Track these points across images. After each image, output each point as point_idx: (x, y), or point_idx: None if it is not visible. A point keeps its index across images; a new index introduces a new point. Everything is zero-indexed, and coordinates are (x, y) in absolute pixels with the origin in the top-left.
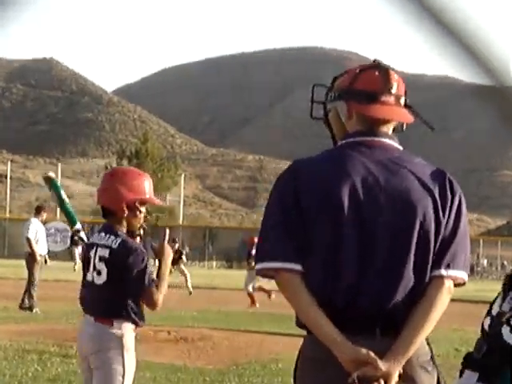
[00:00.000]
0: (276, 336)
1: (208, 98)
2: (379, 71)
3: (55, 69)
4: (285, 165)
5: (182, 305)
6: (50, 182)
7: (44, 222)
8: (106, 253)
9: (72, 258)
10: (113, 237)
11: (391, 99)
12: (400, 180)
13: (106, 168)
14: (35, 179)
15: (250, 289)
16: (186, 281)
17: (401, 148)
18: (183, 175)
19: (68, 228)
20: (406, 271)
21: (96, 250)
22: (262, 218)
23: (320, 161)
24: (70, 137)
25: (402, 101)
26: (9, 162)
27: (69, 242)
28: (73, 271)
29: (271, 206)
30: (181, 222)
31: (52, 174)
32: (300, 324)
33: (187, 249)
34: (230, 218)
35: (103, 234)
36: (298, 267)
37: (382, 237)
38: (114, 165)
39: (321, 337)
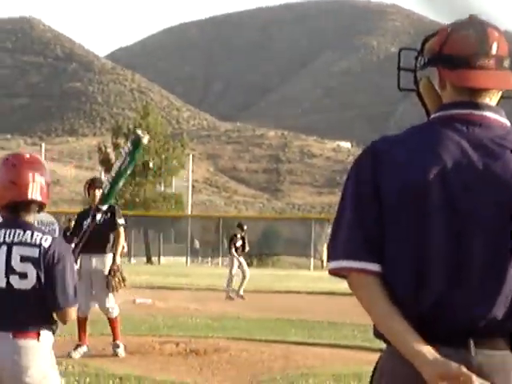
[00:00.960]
0: (304, 346)
1: (220, 63)
2: (474, 29)
3: (36, 30)
4: (312, 142)
5: (193, 310)
6: (138, 144)
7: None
8: (34, 252)
9: None
10: (39, 233)
11: (490, 63)
12: (504, 166)
13: (100, 149)
14: None
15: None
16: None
17: (508, 124)
18: (191, 155)
19: (54, 221)
20: (507, 276)
21: (10, 250)
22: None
23: (405, 141)
24: (55, 111)
25: (507, 63)
26: None
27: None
28: None
29: (346, 197)
30: (189, 212)
31: (142, 135)
32: (378, 333)
33: (197, 244)
34: (248, 206)
35: (20, 231)
36: (376, 268)
37: (479, 235)
38: (109, 144)
39: (402, 348)
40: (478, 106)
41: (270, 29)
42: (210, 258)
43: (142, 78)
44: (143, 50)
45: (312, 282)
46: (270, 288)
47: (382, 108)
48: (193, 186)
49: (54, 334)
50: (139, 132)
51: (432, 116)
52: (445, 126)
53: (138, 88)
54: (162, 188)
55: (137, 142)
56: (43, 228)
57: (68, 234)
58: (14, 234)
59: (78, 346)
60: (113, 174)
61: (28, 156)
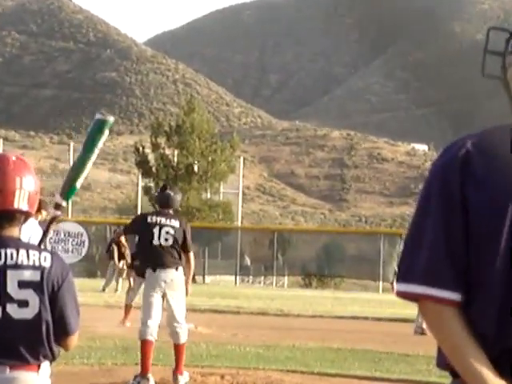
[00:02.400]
0: (370, 382)
1: (278, 52)
2: None
3: (65, 10)
4: (383, 144)
5: (241, 338)
6: (103, 124)
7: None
8: (35, 276)
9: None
10: (35, 252)
11: None
12: None
13: (137, 149)
14: (38, 164)
15: (130, 299)
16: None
17: None
18: (242, 158)
19: (83, 231)
20: None
21: (5, 275)
22: (412, 220)
23: (499, 140)
24: (86, 105)
25: None
26: (0, 140)
27: (84, 251)
28: (101, 292)
29: (427, 209)
30: (239, 223)
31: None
32: (443, 364)
33: (248, 260)
34: (307, 217)
35: (11, 250)
36: (457, 297)
37: None
38: (147, 144)
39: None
40: None
41: (333, 11)
42: (262, 277)
43: (186, 68)
44: (188, 36)
45: (380, 306)
46: (331, 313)
47: (465, 105)
48: (243, 194)
49: (52, 362)
50: (102, 113)
51: None
52: None
53: (182, 79)
54: (208, 195)
55: (100, 124)
56: (31, 243)
57: (112, 247)
58: (6, 255)
59: (142, 378)
60: (72, 166)
61: (14, 158)
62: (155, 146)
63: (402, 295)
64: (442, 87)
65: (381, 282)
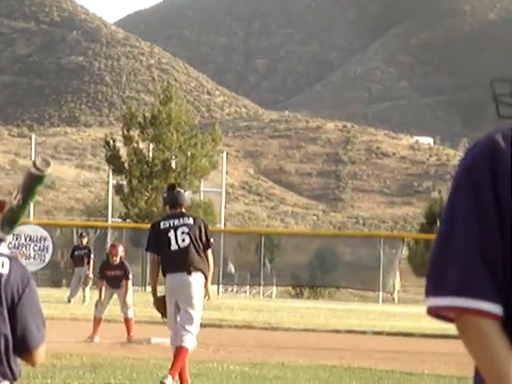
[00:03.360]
0: None
1: (263, 35)
2: None
3: None
4: (383, 136)
5: (224, 354)
6: (41, 179)
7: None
8: None
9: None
10: None
11: None
12: None
13: (107, 143)
14: None
15: (99, 312)
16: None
17: None
18: (225, 153)
19: (47, 236)
20: None
21: None
22: (442, 225)
23: None
24: (49, 94)
25: None
26: None
27: (47, 257)
28: (67, 303)
29: (458, 210)
30: (222, 226)
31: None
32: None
33: (232, 267)
34: (298, 219)
35: None
36: (498, 309)
37: None
38: (119, 137)
39: None
40: None
41: None
42: (248, 287)
43: (162, 52)
44: (165, 16)
45: (380, 319)
46: (324, 326)
47: (475, 93)
48: (227, 193)
49: (12, 383)
50: (38, 162)
51: None
52: None
53: (158, 65)
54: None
55: (38, 178)
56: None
57: (76, 253)
58: None
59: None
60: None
61: None
62: (128, 140)
63: (435, 311)
64: (449, 73)
65: (380, 292)
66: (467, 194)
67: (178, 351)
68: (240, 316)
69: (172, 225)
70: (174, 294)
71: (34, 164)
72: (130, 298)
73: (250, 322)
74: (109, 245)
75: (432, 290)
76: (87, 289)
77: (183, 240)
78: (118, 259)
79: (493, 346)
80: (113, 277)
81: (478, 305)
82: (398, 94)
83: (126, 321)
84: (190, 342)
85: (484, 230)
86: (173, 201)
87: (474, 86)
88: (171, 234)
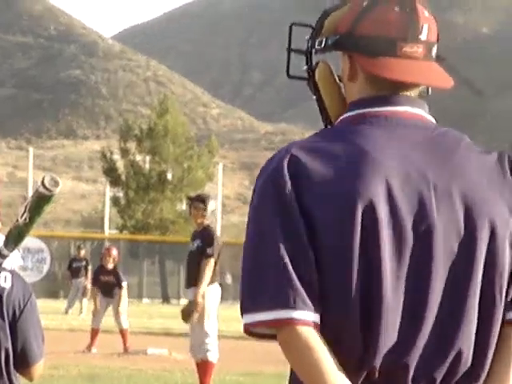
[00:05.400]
0: None
1: (259, 47)
2: (400, 5)
3: (23, 1)
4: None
5: (220, 364)
6: (49, 198)
7: None
8: None
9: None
10: None
11: (419, 50)
12: (455, 173)
13: (104, 155)
14: None
15: (96, 323)
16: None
17: (434, 121)
18: (221, 165)
19: (45, 248)
20: (467, 317)
21: None
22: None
23: (325, 146)
24: (47, 107)
25: (434, 52)
26: None
27: (45, 268)
28: (64, 314)
29: (264, 218)
30: None
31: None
32: None
33: (229, 278)
34: None
35: None
36: (313, 317)
37: (436, 266)
38: (116, 149)
39: None
40: (401, 102)
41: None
42: None
43: (159, 65)
44: (161, 30)
45: None
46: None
47: (468, 104)
48: (223, 205)
49: None
50: (46, 181)
51: (346, 115)
52: (371, 126)
53: (154, 78)
54: (184, 206)
55: (47, 198)
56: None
57: (74, 265)
58: None
59: None
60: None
61: None
62: (124, 152)
63: (252, 328)
64: None
65: None
66: (267, 206)
67: (198, 366)
68: (236, 327)
69: None
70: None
71: (43, 183)
72: (124, 308)
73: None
74: (118, 272)
75: (247, 307)
76: (85, 300)
77: None
78: (112, 262)
79: (313, 354)
80: (106, 283)
81: (290, 314)
82: None
83: (121, 332)
84: (201, 353)
85: (291, 243)
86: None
87: (464, 98)
88: None
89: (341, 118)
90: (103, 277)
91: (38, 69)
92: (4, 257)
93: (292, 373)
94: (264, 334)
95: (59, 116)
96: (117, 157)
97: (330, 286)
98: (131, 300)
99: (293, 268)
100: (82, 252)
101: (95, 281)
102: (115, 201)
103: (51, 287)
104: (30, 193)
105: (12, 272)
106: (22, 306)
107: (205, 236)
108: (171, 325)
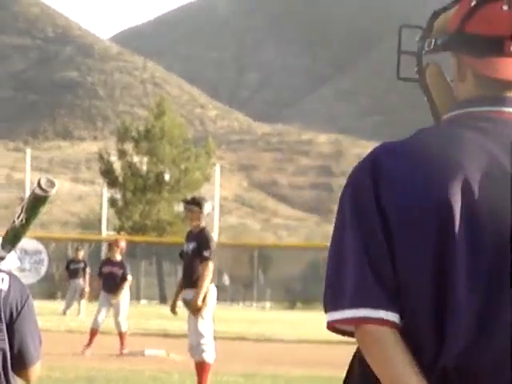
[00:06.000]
0: None
1: (256, 48)
2: (508, 3)
3: (19, 2)
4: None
5: (218, 365)
6: (45, 199)
7: None
8: None
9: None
10: None
11: None
12: None
13: (101, 157)
14: None
15: (99, 321)
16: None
17: None
18: (219, 166)
19: (42, 249)
20: None
21: None
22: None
23: (414, 147)
24: (44, 108)
25: None
26: None
27: (43, 270)
28: (62, 315)
29: (344, 220)
30: (216, 238)
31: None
32: None
33: (226, 279)
34: (291, 231)
35: None
36: (392, 317)
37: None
38: (113, 151)
39: None
40: (508, 102)
41: (324, 2)
42: (241, 299)
43: (156, 67)
44: (157, 31)
45: None
46: (318, 337)
47: None
48: (220, 206)
49: None
50: (42, 182)
51: (446, 115)
52: (466, 127)
53: (151, 79)
54: (181, 207)
55: (42, 199)
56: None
57: (71, 266)
58: None
59: None
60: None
61: None
62: (122, 153)
63: (333, 325)
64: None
65: None
66: (350, 207)
67: (196, 366)
68: (234, 328)
69: None
70: None
71: (39, 185)
72: (124, 306)
73: (243, 333)
74: (103, 258)
75: (328, 305)
76: (83, 301)
77: None
78: (119, 253)
79: (391, 354)
80: (109, 274)
81: (371, 314)
82: (390, 107)
83: (120, 335)
84: (199, 354)
85: (371, 244)
86: None
87: None
88: None
89: (446, 116)
90: (108, 267)
91: (35, 70)
92: (1, 258)
93: (347, 377)
94: (347, 331)
95: (56, 117)
96: (114, 158)
97: (405, 287)
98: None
99: (371, 267)
100: (81, 254)
101: (99, 272)
102: (112, 202)
103: (49, 289)
104: (28, 194)
105: (9, 273)
106: (19, 308)
107: (201, 238)
108: (169, 326)
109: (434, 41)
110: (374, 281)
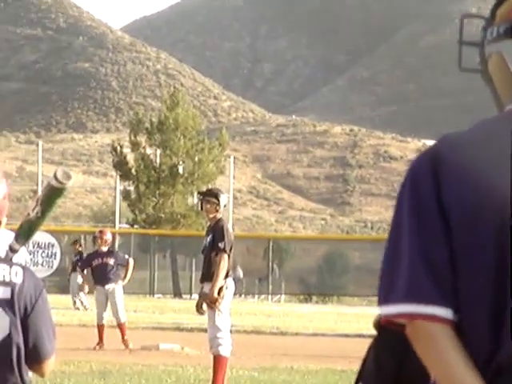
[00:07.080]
0: None
1: (270, 38)
2: None
3: None
4: (391, 140)
5: (233, 359)
6: (61, 192)
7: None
8: (5, 293)
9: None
10: (5, 266)
11: None
12: None
13: (114, 149)
14: (3, 166)
15: (102, 316)
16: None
17: None
18: (233, 158)
19: (55, 242)
20: None
21: None
22: (391, 231)
23: (475, 139)
24: (56, 100)
25: None
26: None
27: (55, 263)
28: (74, 309)
29: (401, 214)
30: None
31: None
32: None
33: (240, 272)
34: (306, 223)
35: None
36: (446, 313)
37: None
38: (126, 143)
39: None
40: None
41: None
42: (256, 292)
43: (169, 57)
44: (171, 21)
45: None
46: (333, 330)
47: (483, 97)
48: (234, 198)
49: None
50: (59, 174)
51: (508, 106)
52: None
53: (165, 70)
54: (195, 200)
55: (59, 191)
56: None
57: (80, 261)
58: None
59: None
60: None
61: None
62: (135, 145)
63: (386, 320)
64: (458, 75)
65: None
66: (408, 201)
67: (214, 360)
68: (249, 321)
69: None
70: None
71: (55, 176)
72: (120, 297)
73: (258, 326)
74: (117, 251)
75: (382, 299)
76: (82, 294)
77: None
78: (105, 244)
79: (443, 350)
80: (100, 266)
81: (422, 309)
82: (405, 96)
83: (119, 326)
84: (216, 348)
85: (428, 240)
86: None
87: (482, 88)
88: None
89: (506, 108)
90: (97, 260)
91: (47, 61)
92: (15, 251)
93: (361, 370)
94: (401, 326)
95: (68, 109)
96: (127, 150)
97: (462, 283)
98: (143, 295)
99: (426, 263)
100: (77, 246)
101: (86, 266)
102: (126, 195)
103: (61, 282)
104: (40, 187)
105: (23, 267)
106: (33, 302)
107: (217, 230)
108: (183, 320)
109: (496, 29)
110: (428, 277)
